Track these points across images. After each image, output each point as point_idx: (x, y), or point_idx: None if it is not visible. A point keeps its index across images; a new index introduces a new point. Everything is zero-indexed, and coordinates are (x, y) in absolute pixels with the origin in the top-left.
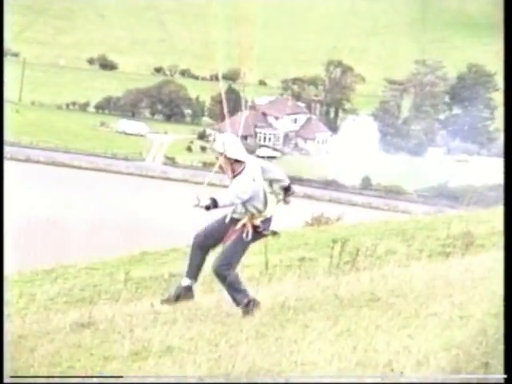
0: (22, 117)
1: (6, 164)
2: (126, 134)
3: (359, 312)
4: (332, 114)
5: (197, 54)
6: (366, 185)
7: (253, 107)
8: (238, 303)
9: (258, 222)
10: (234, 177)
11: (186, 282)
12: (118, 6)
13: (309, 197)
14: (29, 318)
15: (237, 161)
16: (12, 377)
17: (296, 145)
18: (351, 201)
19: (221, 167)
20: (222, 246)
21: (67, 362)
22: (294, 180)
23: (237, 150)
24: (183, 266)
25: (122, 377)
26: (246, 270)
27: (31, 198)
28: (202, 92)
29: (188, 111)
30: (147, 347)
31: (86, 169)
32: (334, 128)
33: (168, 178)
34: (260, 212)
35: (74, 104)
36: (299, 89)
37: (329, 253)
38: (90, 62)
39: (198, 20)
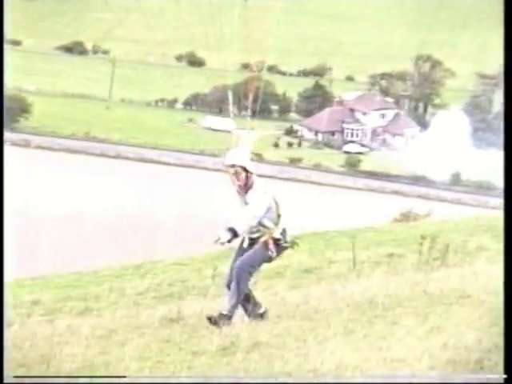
0: (112, 114)
1: (97, 160)
2: (212, 130)
3: (449, 309)
4: (421, 109)
5: (284, 50)
6: (456, 180)
7: (340, 103)
8: (224, 309)
9: (277, 234)
10: (246, 191)
11: (225, 311)
12: (206, 4)
13: (397, 193)
14: (119, 312)
15: (247, 172)
16: (13, 377)
17: (384, 140)
18: (440, 197)
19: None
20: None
21: (157, 356)
22: (382, 176)
23: (249, 162)
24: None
25: (125, 377)
26: (333, 265)
27: (121, 194)
28: (290, 88)
29: (275, 107)
30: (235, 342)
31: (175, 165)
32: (422, 123)
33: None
34: (276, 224)
35: (162, 101)
36: (387, 84)
37: (418, 249)
38: (179, 58)
39: (286, 16)
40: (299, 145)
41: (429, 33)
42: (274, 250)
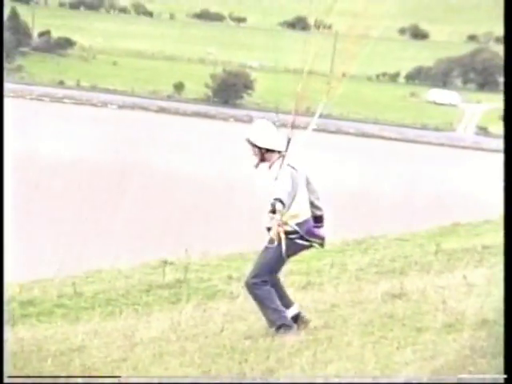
0: (332, 89)
1: (317, 135)
2: (436, 104)
3: None
4: None
5: None
6: None
7: None
8: (270, 324)
9: (291, 226)
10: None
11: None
12: None
13: None
14: (341, 287)
15: (269, 150)
16: (12, 377)
17: None
18: None
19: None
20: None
21: (379, 331)
22: None
23: (269, 138)
24: (497, 237)
25: (120, 377)
26: None
27: (342, 169)
28: None
29: (502, 79)
30: (461, 320)
31: (396, 140)
32: None
33: (480, 148)
34: (284, 206)
35: (384, 75)
36: None
37: None
38: (401, 31)
39: None
40: None
41: None
42: (283, 245)
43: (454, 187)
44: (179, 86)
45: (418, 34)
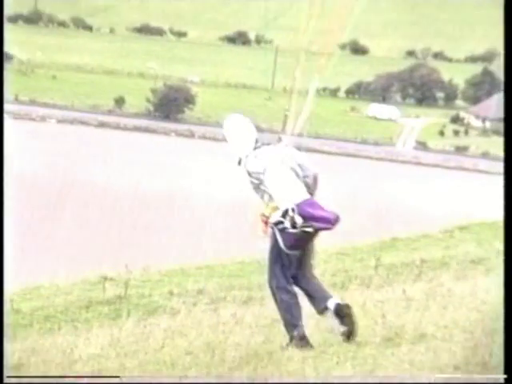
0: (274, 103)
1: None
2: (376, 118)
3: None
4: None
5: (451, 36)
6: None
7: None
8: (287, 331)
9: (276, 217)
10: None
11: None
12: None
13: None
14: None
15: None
16: (11, 377)
17: None
18: None
19: None
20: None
21: (320, 346)
22: None
23: (241, 133)
24: (435, 252)
25: (118, 377)
26: (502, 256)
27: None
28: (456, 74)
29: (440, 94)
30: (400, 334)
31: (336, 154)
32: None
33: (419, 163)
34: (269, 195)
35: (324, 90)
36: None
37: None
38: (342, 47)
39: (453, 0)
40: (466, 133)
41: None
42: (280, 239)
43: (394, 201)
44: (120, 101)
45: (358, 49)
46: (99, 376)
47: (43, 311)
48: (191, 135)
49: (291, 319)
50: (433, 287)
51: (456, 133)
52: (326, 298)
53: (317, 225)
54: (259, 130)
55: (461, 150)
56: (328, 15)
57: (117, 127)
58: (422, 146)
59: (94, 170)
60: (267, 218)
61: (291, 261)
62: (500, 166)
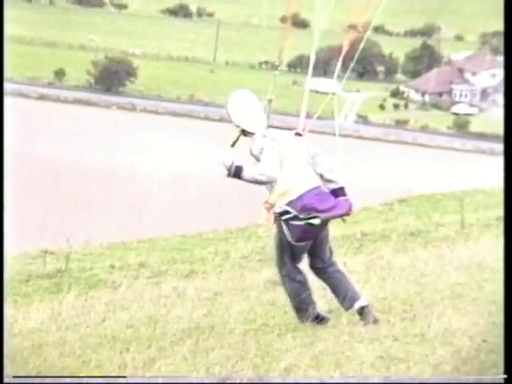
0: (216, 77)
1: (200, 123)
2: (317, 92)
3: None
4: None
5: (391, 10)
6: None
7: (448, 63)
8: (297, 317)
9: (280, 207)
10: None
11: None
12: None
13: None
14: (224, 275)
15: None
16: (13, 377)
17: (494, 101)
18: None
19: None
20: None
21: (261, 318)
22: (492, 137)
23: (241, 116)
24: (375, 225)
25: (125, 377)
26: (441, 228)
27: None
28: (396, 48)
29: (381, 68)
30: (340, 306)
31: (278, 128)
32: None
33: (360, 137)
34: (272, 182)
35: (266, 63)
36: (499, 43)
37: None
38: (283, 20)
39: None
40: (406, 106)
41: None
42: (285, 231)
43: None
44: (60, 73)
45: (300, 23)
46: (104, 376)
47: None
48: (133, 108)
49: (301, 305)
50: (373, 259)
51: (396, 106)
52: (354, 299)
53: (323, 215)
54: (202, 103)
55: (401, 123)
56: None
57: (57, 100)
58: (362, 119)
59: (34, 143)
60: (271, 205)
61: (301, 250)
62: (439, 139)
